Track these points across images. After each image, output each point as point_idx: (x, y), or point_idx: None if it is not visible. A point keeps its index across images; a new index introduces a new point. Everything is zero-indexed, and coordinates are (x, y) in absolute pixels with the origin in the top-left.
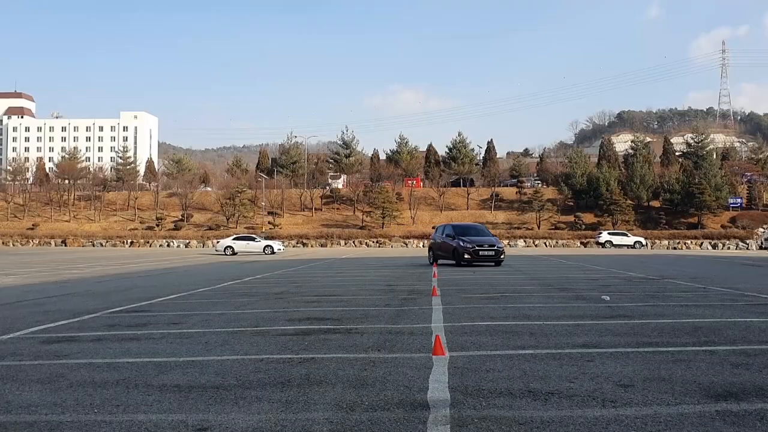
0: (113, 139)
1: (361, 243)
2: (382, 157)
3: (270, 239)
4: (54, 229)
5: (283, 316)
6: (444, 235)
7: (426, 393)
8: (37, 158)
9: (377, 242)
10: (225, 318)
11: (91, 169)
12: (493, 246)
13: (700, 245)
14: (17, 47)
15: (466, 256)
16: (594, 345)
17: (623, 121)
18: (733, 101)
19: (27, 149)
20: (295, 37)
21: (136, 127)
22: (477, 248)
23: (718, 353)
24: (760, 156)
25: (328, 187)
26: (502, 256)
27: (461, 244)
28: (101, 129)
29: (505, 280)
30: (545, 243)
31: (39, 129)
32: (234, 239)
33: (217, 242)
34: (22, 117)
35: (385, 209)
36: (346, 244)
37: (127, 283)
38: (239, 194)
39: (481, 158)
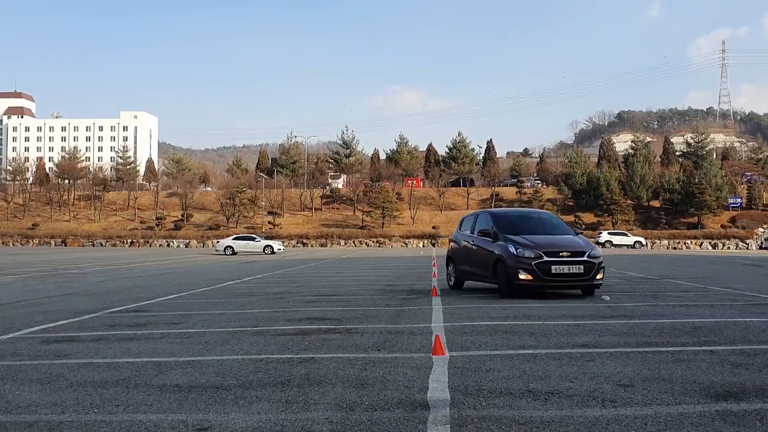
0: (113, 139)
1: (361, 243)
2: (382, 156)
3: (270, 239)
4: (54, 229)
5: (283, 316)
6: (476, 234)
7: (426, 393)
8: (37, 158)
9: (377, 242)
10: (225, 318)
11: (91, 169)
12: (583, 254)
13: (700, 245)
14: (17, 47)
15: (522, 276)
16: (594, 345)
17: (623, 121)
18: (733, 101)
19: (27, 149)
20: (295, 37)
21: (136, 127)
22: (547, 260)
23: (718, 353)
24: (760, 156)
25: (328, 187)
26: (599, 276)
27: (513, 250)
28: (101, 129)
29: None
30: None
31: (39, 129)
32: (234, 239)
33: (217, 242)
34: (22, 117)
35: (385, 209)
36: (346, 244)
37: (127, 283)
38: (239, 194)
39: (481, 158)
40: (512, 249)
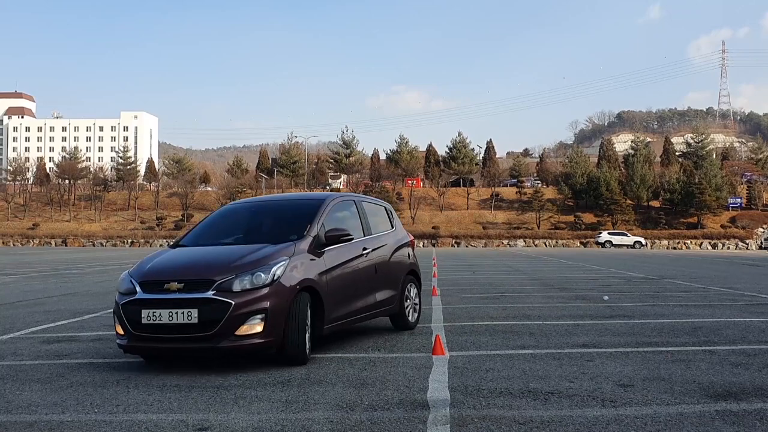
0: (113, 139)
1: None
2: (383, 156)
3: None
4: (54, 229)
5: None
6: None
7: (426, 393)
8: (38, 158)
9: None
10: None
11: (92, 169)
12: (210, 284)
13: (700, 245)
14: (17, 47)
15: (118, 327)
16: (594, 345)
17: (623, 121)
18: (733, 101)
19: (27, 149)
20: (296, 37)
21: (136, 127)
22: (142, 298)
23: (718, 353)
24: (760, 156)
25: (328, 187)
26: (244, 330)
27: (129, 280)
28: (101, 129)
29: (505, 280)
30: (545, 243)
31: (39, 129)
32: None
33: None
34: (22, 117)
35: None
36: None
37: None
38: (239, 194)
39: (481, 158)
40: (122, 276)
